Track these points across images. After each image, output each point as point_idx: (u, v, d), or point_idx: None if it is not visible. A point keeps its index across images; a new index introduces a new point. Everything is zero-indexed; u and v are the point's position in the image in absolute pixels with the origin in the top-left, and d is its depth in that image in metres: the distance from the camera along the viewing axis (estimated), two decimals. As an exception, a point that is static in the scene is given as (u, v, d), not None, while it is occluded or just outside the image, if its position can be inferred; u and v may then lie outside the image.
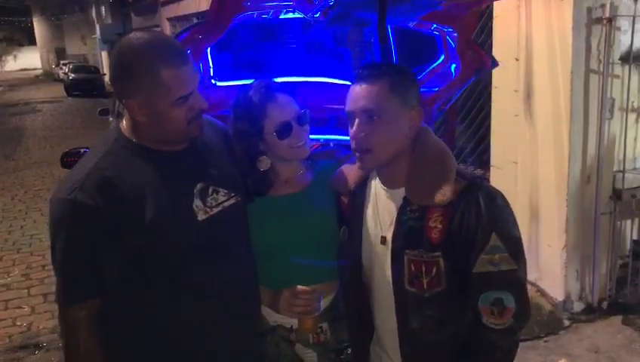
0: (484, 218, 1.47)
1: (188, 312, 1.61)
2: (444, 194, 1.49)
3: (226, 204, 1.66)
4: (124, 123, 1.63)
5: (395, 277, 1.58)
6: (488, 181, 1.61)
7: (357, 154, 1.57)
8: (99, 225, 1.48)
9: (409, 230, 1.54)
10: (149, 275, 1.57)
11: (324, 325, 1.80)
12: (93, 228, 1.48)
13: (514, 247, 1.50)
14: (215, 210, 1.62)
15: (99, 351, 1.54)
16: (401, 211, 1.56)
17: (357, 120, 1.53)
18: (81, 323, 1.52)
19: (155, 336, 1.61)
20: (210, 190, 1.63)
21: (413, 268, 1.54)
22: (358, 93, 1.54)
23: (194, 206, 1.58)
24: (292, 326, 1.79)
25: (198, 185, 1.61)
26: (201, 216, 1.59)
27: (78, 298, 1.53)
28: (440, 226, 1.50)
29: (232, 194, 1.68)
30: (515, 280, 1.50)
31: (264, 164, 1.78)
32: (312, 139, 1.90)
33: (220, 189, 1.65)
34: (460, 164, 1.66)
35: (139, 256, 1.53)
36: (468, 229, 1.47)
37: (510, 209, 1.53)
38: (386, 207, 1.61)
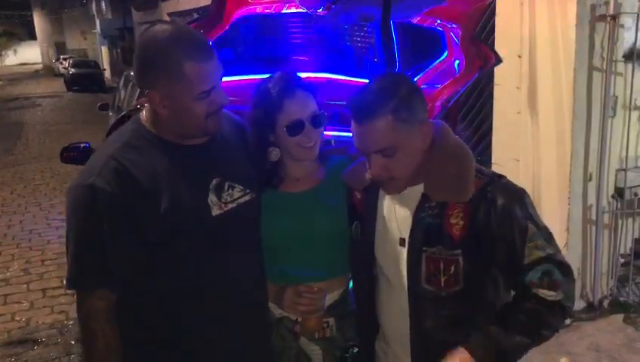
0: (516, 211, 1.46)
1: (197, 307, 1.61)
2: (468, 190, 1.48)
3: (241, 200, 1.65)
4: (144, 114, 1.63)
5: (411, 275, 1.56)
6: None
7: (378, 183, 1.56)
8: (115, 212, 1.47)
9: (427, 227, 1.52)
10: (161, 268, 1.57)
11: (331, 320, 1.79)
12: (110, 214, 1.47)
13: (548, 233, 1.50)
14: (230, 206, 1.62)
15: (118, 343, 1.53)
16: (419, 208, 1.54)
17: (372, 159, 1.49)
18: (99, 314, 1.51)
19: (164, 330, 1.62)
20: (226, 186, 1.63)
21: (431, 266, 1.52)
22: (362, 135, 1.48)
23: (209, 200, 1.58)
24: (297, 318, 1.79)
25: (214, 181, 1.61)
26: (215, 212, 1.59)
27: (95, 284, 1.52)
28: (462, 223, 1.48)
29: (248, 191, 1.67)
30: (561, 262, 1.48)
31: (274, 155, 1.76)
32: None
33: (236, 185, 1.65)
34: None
35: (152, 247, 1.53)
36: (498, 225, 1.45)
37: (530, 199, 1.54)
38: (403, 204, 1.59)
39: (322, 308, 1.74)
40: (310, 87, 1.78)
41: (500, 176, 1.56)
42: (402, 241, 1.57)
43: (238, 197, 1.65)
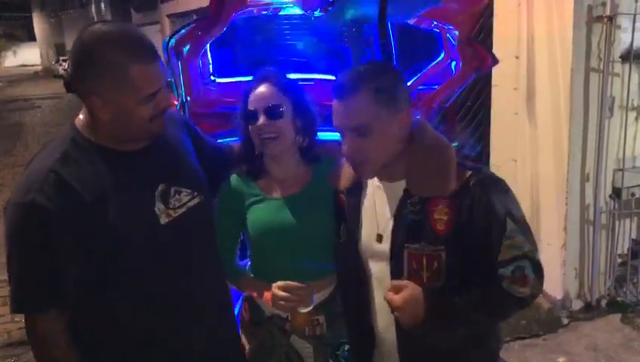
0: (496, 205, 1.46)
1: (152, 321, 1.55)
2: (450, 183, 1.49)
3: (190, 204, 1.59)
4: (80, 119, 1.55)
5: (393, 272, 1.56)
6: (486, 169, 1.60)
7: (352, 166, 1.57)
8: (59, 229, 1.39)
9: (410, 223, 1.52)
10: (114, 283, 1.49)
11: (321, 318, 1.81)
12: (53, 232, 1.39)
13: (526, 227, 1.50)
14: (179, 211, 1.56)
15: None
16: (401, 204, 1.55)
17: (346, 137, 1.51)
18: (57, 335, 1.43)
19: (121, 346, 1.55)
20: (173, 191, 1.56)
21: (413, 263, 1.52)
22: (342, 111, 1.49)
23: (155, 209, 1.51)
24: (287, 316, 1.80)
25: (160, 187, 1.54)
26: (163, 220, 1.52)
27: (45, 306, 1.43)
28: (445, 218, 1.48)
29: (196, 194, 1.61)
30: (535, 260, 1.49)
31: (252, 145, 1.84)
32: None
33: (183, 189, 1.58)
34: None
35: (101, 262, 1.46)
36: (479, 218, 1.46)
37: (512, 191, 1.54)
38: (384, 202, 1.59)
39: (310, 303, 1.76)
40: (282, 83, 1.81)
41: (481, 168, 1.57)
42: (379, 237, 1.59)
43: (187, 201, 1.58)
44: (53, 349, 1.44)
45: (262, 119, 1.76)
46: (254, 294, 1.84)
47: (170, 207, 1.54)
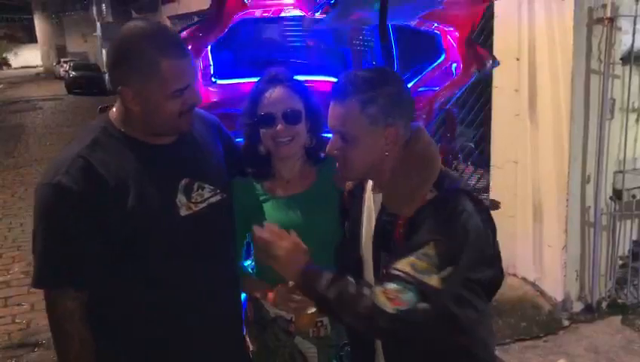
0: (433, 226, 1.38)
1: (166, 310, 1.59)
2: (410, 207, 1.45)
3: (212, 200, 1.64)
4: (113, 111, 1.61)
5: (376, 275, 1.57)
6: (479, 190, 1.55)
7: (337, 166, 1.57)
8: (82, 211, 1.46)
9: (383, 232, 1.54)
10: (130, 270, 1.55)
11: (325, 319, 1.80)
12: (77, 213, 1.46)
13: (444, 263, 1.34)
14: (200, 206, 1.61)
15: (92, 343, 1.53)
16: (381, 212, 1.56)
17: (332, 137, 1.52)
18: (74, 314, 1.50)
19: (135, 332, 1.60)
20: (196, 186, 1.61)
21: (384, 270, 1.50)
22: (331, 112, 1.50)
23: (177, 201, 1.57)
24: (292, 317, 1.80)
25: (183, 181, 1.59)
26: (183, 212, 1.57)
27: (63, 283, 1.50)
28: (402, 233, 1.47)
29: (218, 191, 1.66)
30: (424, 293, 1.34)
31: (261, 148, 1.82)
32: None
33: (206, 185, 1.63)
34: (460, 164, 1.64)
35: (119, 247, 1.51)
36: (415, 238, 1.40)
37: (476, 233, 1.39)
38: (377, 206, 1.61)
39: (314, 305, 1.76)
40: (298, 85, 1.80)
41: (460, 192, 1.46)
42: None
43: (209, 197, 1.63)
44: (67, 325, 1.50)
45: (280, 123, 1.74)
46: (258, 295, 1.84)
47: (192, 201, 1.59)
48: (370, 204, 1.64)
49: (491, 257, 1.47)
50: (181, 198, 1.57)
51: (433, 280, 1.34)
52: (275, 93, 1.75)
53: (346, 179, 1.61)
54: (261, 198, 1.81)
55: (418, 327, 1.37)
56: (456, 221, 1.38)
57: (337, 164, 1.55)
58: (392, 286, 1.36)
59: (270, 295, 1.77)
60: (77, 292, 1.50)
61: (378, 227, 1.55)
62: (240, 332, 1.85)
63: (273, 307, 1.80)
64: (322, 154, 1.85)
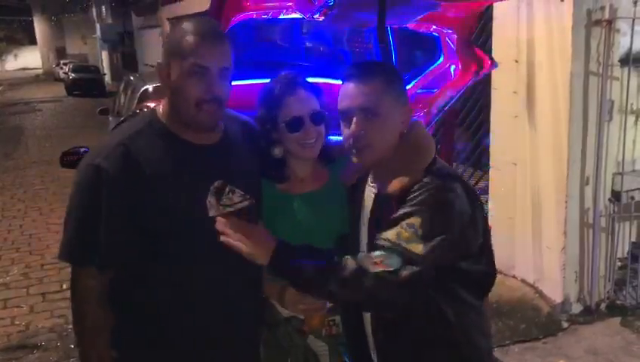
0: (419, 201, 1.44)
1: (182, 306, 1.63)
2: (395, 185, 1.51)
3: (239, 206, 1.64)
4: (161, 107, 1.68)
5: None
6: (477, 183, 1.60)
7: (354, 151, 1.59)
8: (115, 195, 1.52)
9: (378, 220, 1.58)
10: (154, 262, 1.60)
11: (337, 318, 1.83)
12: (111, 196, 1.52)
13: (429, 236, 1.41)
14: (227, 210, 1.62)
15: (106, 324, 1.58)
16: (376, 200, 1.62)
17: (355, 118, 1.55)
18: (92, 293, 1.56)
19: (154, 328, 1.64)
20: (227, 190, 1.63)
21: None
22: (354, 92, 1.56)
23: (207, 201, 1.59)
24: (304, 317, 1.81)
25: (216, 183, 1.61)
26: (212, 213, 1.59)
27: (87, 259, 1.56)
28: (394, 211, 1.50)
29: (248, 197, 1.66)
30: (416, 262, 1.40)
31: (277, 151, 1.82)
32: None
33: (237, 190, 1.65)
34: (458, 165, 1.66)
35: (147, 237, 1.57)
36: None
37: (461, 212, 1.45)
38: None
39: (324, 306, 1.76)
40: (313, 87, 1.82)
41: (451, 178, 1.53)
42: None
43: (237, 202, 1.64)
44: (85, 304, 1.57)
45: (309, 125, 1.76)
46: (268, 295, 1.85)
47: (221, 203, 1.62)
48: (371, 194, 1.67)
49: (481, 246, 1.53)
50: (211, 199, 1.60)
51: (417, 248, 1.40)
52: (300, 96, 1.78)
53: (367, 162, 1.62)
54: (275, 197, 1.82)
55: (402, 290, 1.42)
56: (443, 197, 1.46)
57: (357, 148, 1.57)
58: (376, 253, 1.43)
59: (288, 295, 1.76)
60: (98, 272, 1.56)
61: (374, 212, 1.59)
62: (258, 334, 1.86)
63: (285, 308, 1.81)
64: (334, 155, 1.87)
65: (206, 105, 1.58)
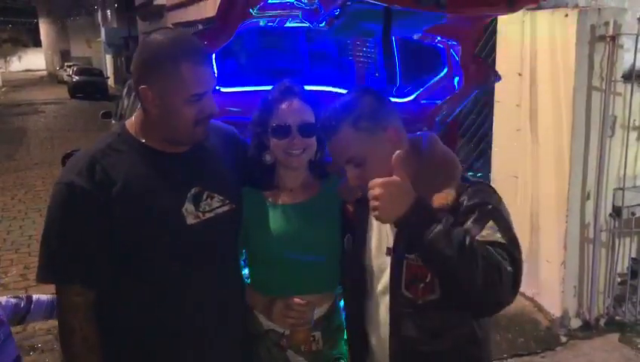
0: (482, 199, 1.46)
1: (167, 315, 1.61)
2: (446, 198, 1.48)
3: (220, 210, 1.65)
4: (132, 119, 1.65)
5: (392, 282, 1.56)
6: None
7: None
8: (91, 210, 1.51)
9: (409, 234, 1.51)
10: (136, 274, 1.58)
11: (317, 334, 1.80)
12: (86, 212, 1.51)
13: (509, 229, 1.45)
14: (207, 216, 1.62)
15: (96, 341, 1.55)
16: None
17: (346, 169, 1.55)
18: (78, 310, 1.53)
19: (136, 334, 1.62)
20: (205, 195, 1.63)
21: (410, 273, 1.52)
22: (332, 149, 1.57)
23: (183, 209, 1.58)
24: (284, 331, 1.79)
25: (193, 190, 1.61)
26: (190, 221, 1.59)
27: (68, 278, 1.54)
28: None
29: (227, 201, 1.67)
30: (513, 257, 1.41)
31: (267, 158, 1.81)
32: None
33: (215, 195, 1.65)
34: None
35: (126, 250, 1.55)
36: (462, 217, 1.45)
37: (503, 205, 1.51)
38: None
39: (310, 321, 1.76)
40: (310, 98, 1.81)
41: (484, 184, 1.57)
42: (389, 250, 1.59)
43: (217, 207, 1.64)
44: (71, 320, 1.54)
45: (295, 135, 1.75)
46: (253, 305, 1.84)
47: (200, 209, 1.61)
48: None
49: None
50: (189, 207, 1.59)
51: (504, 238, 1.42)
52: (292, 105, 1.76)
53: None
54: (262, 206, 1.81)
55: (506, 281, 1.38)
56: (494, 196, 1.50)
57: (364, 191, 1.51)
58: (483, 233, 1.41)
59: (276, 307, 1.77)
60: (83, 288, 1.54)
61: (402, 232, 1.52)
62: (240, 343, 1.83)
63: (267, 319, 1.79)
64: (327, 171, 1.85)
65: (203, 122, 1.58)
